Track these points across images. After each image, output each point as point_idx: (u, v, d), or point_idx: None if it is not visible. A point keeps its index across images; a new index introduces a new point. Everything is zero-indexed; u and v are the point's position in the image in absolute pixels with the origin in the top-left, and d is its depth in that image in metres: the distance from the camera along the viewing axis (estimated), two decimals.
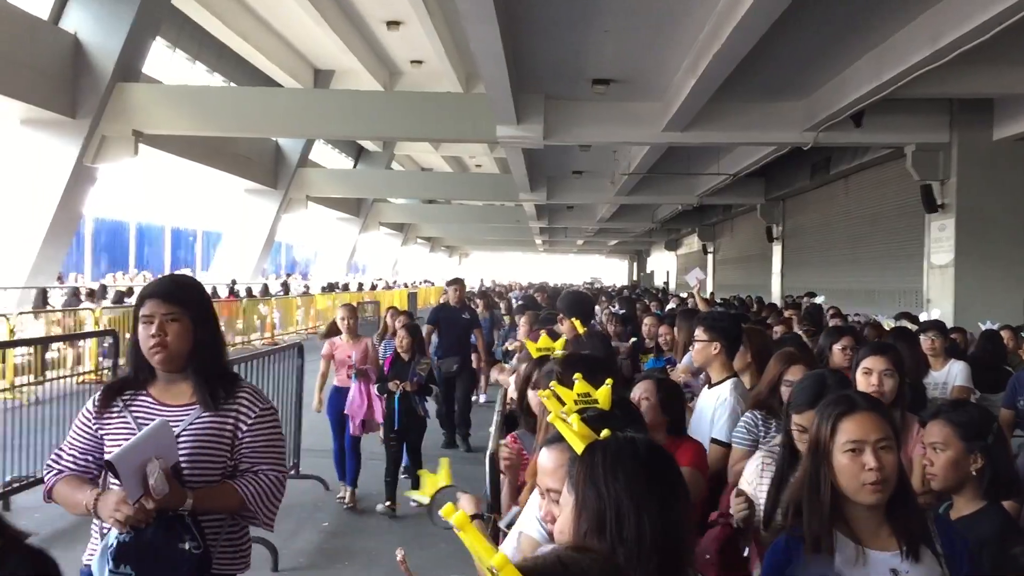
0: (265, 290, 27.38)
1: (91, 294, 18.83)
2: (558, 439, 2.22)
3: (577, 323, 5.54)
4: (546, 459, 2.16)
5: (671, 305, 14.70)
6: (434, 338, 10.20)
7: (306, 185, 27.55)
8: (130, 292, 18.62)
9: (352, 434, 7.43)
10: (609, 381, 2.37)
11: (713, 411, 4.02)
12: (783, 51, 9.83)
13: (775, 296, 21.54)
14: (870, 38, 9.62)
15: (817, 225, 20.72)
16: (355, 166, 34.97)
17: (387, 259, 49.31)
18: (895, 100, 10.85)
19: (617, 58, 10.57)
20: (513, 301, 18.22)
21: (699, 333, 4.23)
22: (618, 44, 9.97)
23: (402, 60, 23.38)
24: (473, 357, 10.42)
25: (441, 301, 10.85)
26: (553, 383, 2.40)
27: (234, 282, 24.54)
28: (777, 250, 23.27)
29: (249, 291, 25.09)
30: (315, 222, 36.42)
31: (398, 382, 7.05)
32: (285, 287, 30.20)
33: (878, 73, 9.83)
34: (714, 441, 3.99)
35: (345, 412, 7.43)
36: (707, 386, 4.27)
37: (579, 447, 1.76)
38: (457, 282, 10.43)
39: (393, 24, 20.02)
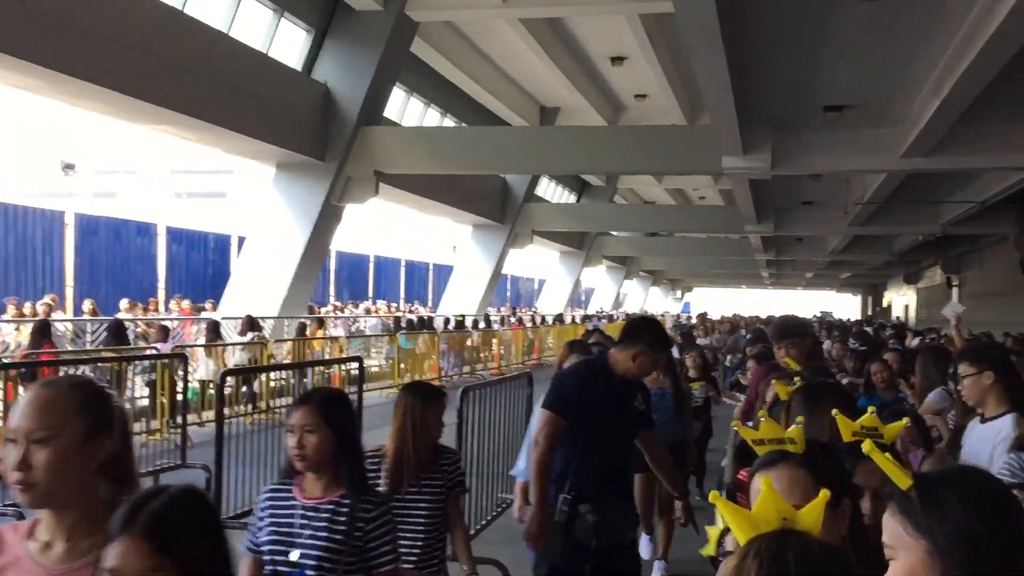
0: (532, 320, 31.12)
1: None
2: (773, 463, 2.03)
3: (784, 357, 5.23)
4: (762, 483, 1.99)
5: (914, 342, 13.79)
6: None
7: (531, 219, 28.30)
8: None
9: None
10: (906, 420, 2.30)
11: (992, 448, 3.65)
12: None
13: None
14: None
15: None
16: (578, 200, 35.50)
17: (610, 292, 49.53)
18: None
19: (851, 82, 10.16)
20: (716, 350, 13.73)
21: (965, 367, 3.84)
22: (853, 67, 9.58)
23: (626, 94, 23.62)
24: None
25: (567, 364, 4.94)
26: (835, 411, 2.32)
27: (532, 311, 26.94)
28: None
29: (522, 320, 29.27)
30: (540, 256, 37.24)
31: None
32: (559, 318, 32.23)
33: None
34: None
35: None
36: (979, 421, 3.89)
37: (904, 481, 1.56)
38: (574, 348, 5.25)
39: (617, 60, 20.29)
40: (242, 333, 14.36)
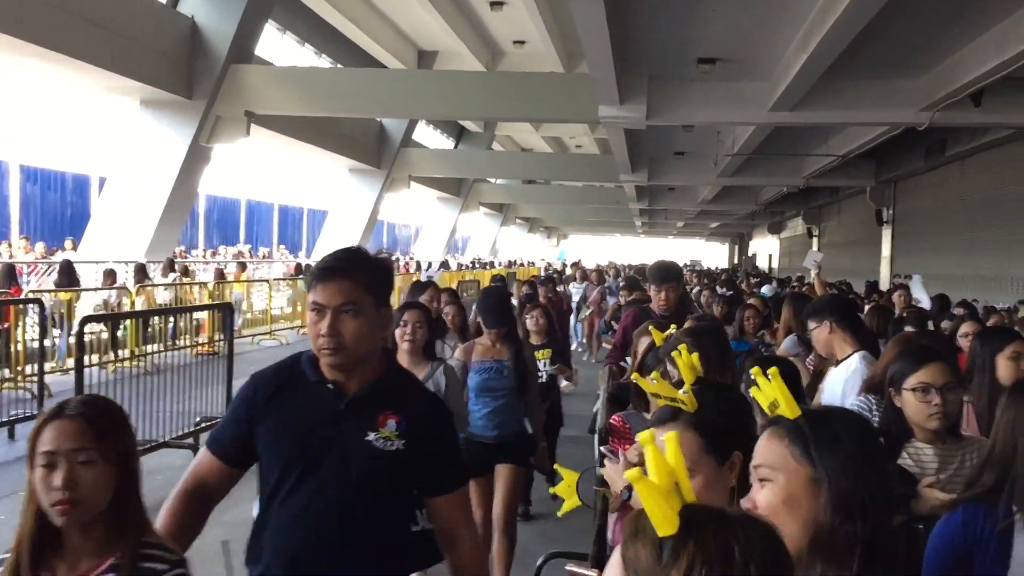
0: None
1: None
2: (663, 421, 2.07)
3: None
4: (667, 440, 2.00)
5: (764, 288, 14.37)
6: None
7: (408, 165, 27.98)
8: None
9: None
10: (680, 343, 2.30)
11: (844, 384, 3.93)
12: (899, 27, 9.48)
13: (884, 283, 20.90)
14: (993, 14, 9.18)
15: (930, 209, 19.97)
16: (456, 146, 35.28)
17: (486, 239, 49.70)
18: (1018, 79, 10.35)
19: (724, 36, 10.38)
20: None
21: (810, 325, 4.20)
22: (726, 22, 9.78)
23: (505, 40, 23.47)
24: None
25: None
26: (635, 375, 2.34)
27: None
28: (887, 234, 22.53)
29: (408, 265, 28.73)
30: (416, 201, 36.96)
31: None
32: (445, 264, 31.73)
33: (1001, 50, 9.39)
34: None
35: None
36: (834, 365, 4.18)
37: (794, 412, 1.58)
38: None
39: (496, 4, 20.11)
40: (164, 274, 15.01)
